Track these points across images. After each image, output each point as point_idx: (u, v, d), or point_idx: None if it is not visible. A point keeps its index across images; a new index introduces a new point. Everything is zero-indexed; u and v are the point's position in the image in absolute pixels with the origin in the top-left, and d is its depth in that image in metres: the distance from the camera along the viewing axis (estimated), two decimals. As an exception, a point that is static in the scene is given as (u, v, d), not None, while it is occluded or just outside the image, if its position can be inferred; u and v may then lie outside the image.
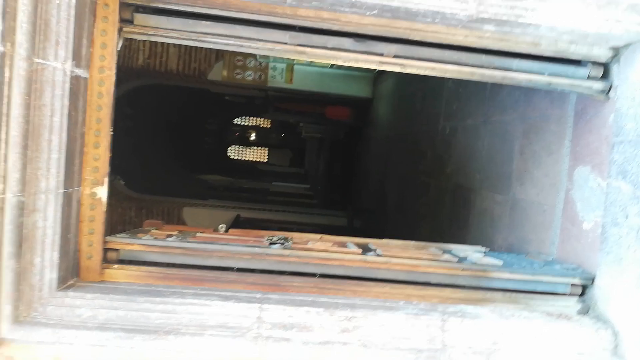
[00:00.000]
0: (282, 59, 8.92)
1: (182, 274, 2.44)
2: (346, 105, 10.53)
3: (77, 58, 2.19)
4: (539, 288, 2.57)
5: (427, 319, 2.30)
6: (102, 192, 2.37)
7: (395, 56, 2.45)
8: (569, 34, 2.32)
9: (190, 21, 2.38)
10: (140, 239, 2.43)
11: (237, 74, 9.26)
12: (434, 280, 2.55)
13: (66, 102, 2.14)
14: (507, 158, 3.61)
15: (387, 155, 8.18)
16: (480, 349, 2.28)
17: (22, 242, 2.09)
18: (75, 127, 2.24)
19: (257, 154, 22.49)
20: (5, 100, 2.00)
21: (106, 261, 2.42)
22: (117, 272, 2.41)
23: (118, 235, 2.45)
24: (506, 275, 2.54)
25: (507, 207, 3.56)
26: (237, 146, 21.73)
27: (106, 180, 2.36)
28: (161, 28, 2.39)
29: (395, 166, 7.39)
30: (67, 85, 2.14)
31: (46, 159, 2.12)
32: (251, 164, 21.69)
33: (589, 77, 2.52)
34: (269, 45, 2.42)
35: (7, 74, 1.99)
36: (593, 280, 2.53)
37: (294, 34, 2.42)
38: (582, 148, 2.74)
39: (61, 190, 2.17)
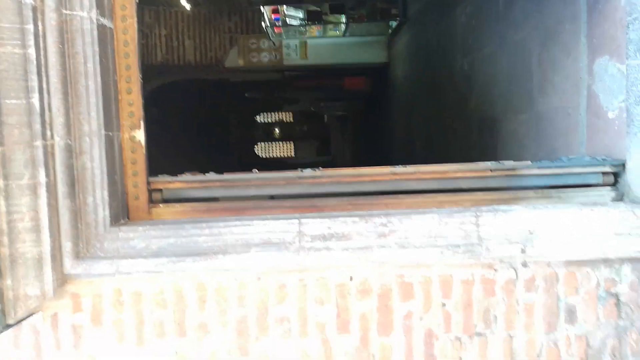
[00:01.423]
0: (295, 34, 8.99)
1: (223, 205, 2.58)
2: (363, 74, 10.55)
3: (100, 8, 2.33)
4: (571, 181, 2.60)
5: (461, 217, 2.37)
6: (140, 135, 2.52)
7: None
8: None
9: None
10: (181, 176, 2.57)
11: (253, 57, 9.40)
12: (464, 185, 2.61)
13: (96, 48, 2.29)
14: (527, 74, 3.61)
15: (410, 113, 8.18)
16: (517, 239, 2.33)
17: (74, 182, 2.27)
18: (108, 73, 2.40)
19: (284, 149, 22.70)
20: (42, 52, 2.17)
21: (152, 202, 2.58)
22: (163, 211, 2.56)
23: (160, 175, 2.60)
24: (535, 171, 2.58)
25: (532, 123, 3.57)
26: (263, 143, 21.96)
27: (142, 123, 2.52)
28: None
29: (420, 120, 7.40)
30: (95, 33, 2.29)
31: (85, 103, 2.28)
32: (279, 160, 21.89)
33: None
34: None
35: (40, 27, 2.16)
36: (624, 165, 2.54)
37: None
38: (598, 39, 2.74)
39: (103, 132, 2.33)
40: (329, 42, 9.41)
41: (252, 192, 2.59)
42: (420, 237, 2.34)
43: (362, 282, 2.37)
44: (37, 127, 2.15)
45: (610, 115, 2.66)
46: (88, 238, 2.32)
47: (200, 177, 2.57)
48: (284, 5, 8.03)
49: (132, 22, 2.47)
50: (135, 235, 2.34)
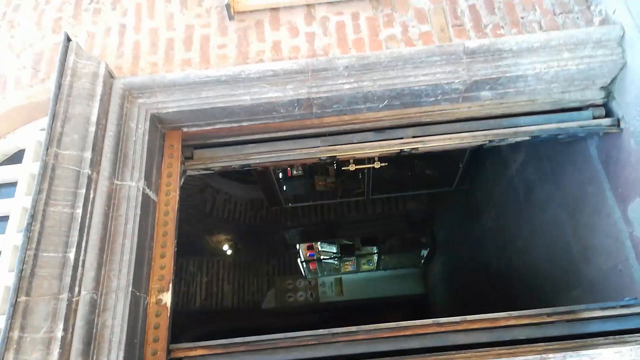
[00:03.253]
0: (330, 271, 9.21)
1: (248, 374, 2.28)
2: (402, 308, 10.23)
3: (148, 181, 2.60)
4: (645, 323, 2.25)
5: (525, 361, 2.01)
6: (167, 297, 2.44)
7: (414, 137, 2.79)
8: (556, 82, 2.67)
9: (238, 147, 2.87)
10: (203, 342, 2.37)
11: (289, 297, 9.46)
12: (521, 335, 2.28)
13: (138, 211, 2.45)
14: (565, 247, 3.50)
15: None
16: (601, 383, 1.91)
17: (91, 340, 2.12)
18: (145, 237, 2.49)
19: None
20: (88, 214, 2.35)
21: (170, 374, 2.32)
22: (181, 383, 2.27)
23: (182, 342, 2.40)
24: (599, 312, 2.28)
25: (587, 295, 3.28)
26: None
27: (170, 286, 2.47)
28: (215, 157, 2.86)
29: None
30: (140, 199, 2.49)
31: (119, 260, 2.32)
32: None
33: (594, 118, 2.75)
34: (305, 151, 2.82)
35: (91, 195, 2.40)
36: (702, 300, 2.23)
37: (324, 138, 2.85)
38: (623, 187, 2.76)
39: (130, 289, 2.28)
40: (364, 277, 9.53)
41: (281, 356, 2.31)
42: (480, 387, 1.94)
43: None
44: (67, 280, 2.16)
45: (663, 253, 2.48)
46: (93, 407, 2.02)
47: (223, 341, 2.35)
48: (319, 242, 8.55)
49: (175, 196, 2.70)
50: (146, 402, 2.03)
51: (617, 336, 2.23)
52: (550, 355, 2.09)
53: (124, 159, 2.56)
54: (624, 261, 2.81)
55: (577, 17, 2.82)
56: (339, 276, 9.51)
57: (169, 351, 2.35)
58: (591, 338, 2.24)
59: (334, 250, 8.79)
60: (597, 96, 2.76)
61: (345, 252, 8.74)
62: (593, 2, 2.85)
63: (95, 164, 2.44)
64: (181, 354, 2.35)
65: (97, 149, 2.47)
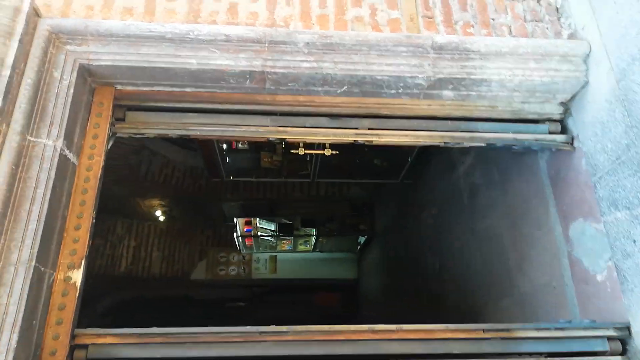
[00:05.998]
0: (266, 248, 9.06)
1: (163, 369, 2.07)
2: (334, 289, 10.32)
3: (68, 141, 2.27)
4: (575, 347, 2.25)
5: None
6: (78, 276, 2.17)
7: (370, 128, 2.63)
8: (519, 91, 2.59)
9: (178, 114, 2.59)
10: (114, 329, 2.13)
11: (221, 270, 9.23)
12: (456, 349, 2.22)
13: (53, 174, 2.14)
14: (502, 257, 3.52)
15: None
16: (528, 408, 1.87)
17: (-22, 319, 1.83)
18: (58, 205, 2.19)
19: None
20: (-10, 173, 2.01)
21: (72, 361, 2.06)
22: (83, 374, 2.03)
23: (90, 328, 2.15)
24: (533, 333, 2.25)
25: (516, 307, 3.32)
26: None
27: (83, 263, 2.19)
28: (150, 122, 2.57)
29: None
30: (55, 161, 2.17)
31: (22, 228, 2.02)
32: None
33: (550, 132, 2.71)
34: (253, 128, 2.59)
35: (-3, 147, 2.05)
36: (629, 329, 2.25)
37: (275, 117, 2.62)
38: (568, 205, 2.76)
39: (34, 264, 1.99)
40: (299, 257, 9.47)
41: (200, 353, 2.12)
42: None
43: None
44: (-45, 247, 1.84)
45: (599, 277, 2.50)
46: (-28, 397, 1.75)
47: (138, 330, 2.12)
48: (257, 218, 8.36)
49: (99, 160, 2.39)
50: (37, 397, 1.78)
51: (548, 359, 2.22)
52: (481, 372, 2.04)
53: (42, 112, 2.22)
54: (559, 279, 2.83)
55: (547, 28, 2.74)
56: (274, 254, 9.38)
57: (73, 336, 2.09)
58: (523, 357, 2.22)
59: (273, 228, 8.64)
60: (556, 111, 2.72)
61: (283, 231, 8.61)
62: (564, 14, 2.78)
63: (6, 114, 2.09)
64: (87, 341, 2.10)
65: (10, 97, 2.11)
